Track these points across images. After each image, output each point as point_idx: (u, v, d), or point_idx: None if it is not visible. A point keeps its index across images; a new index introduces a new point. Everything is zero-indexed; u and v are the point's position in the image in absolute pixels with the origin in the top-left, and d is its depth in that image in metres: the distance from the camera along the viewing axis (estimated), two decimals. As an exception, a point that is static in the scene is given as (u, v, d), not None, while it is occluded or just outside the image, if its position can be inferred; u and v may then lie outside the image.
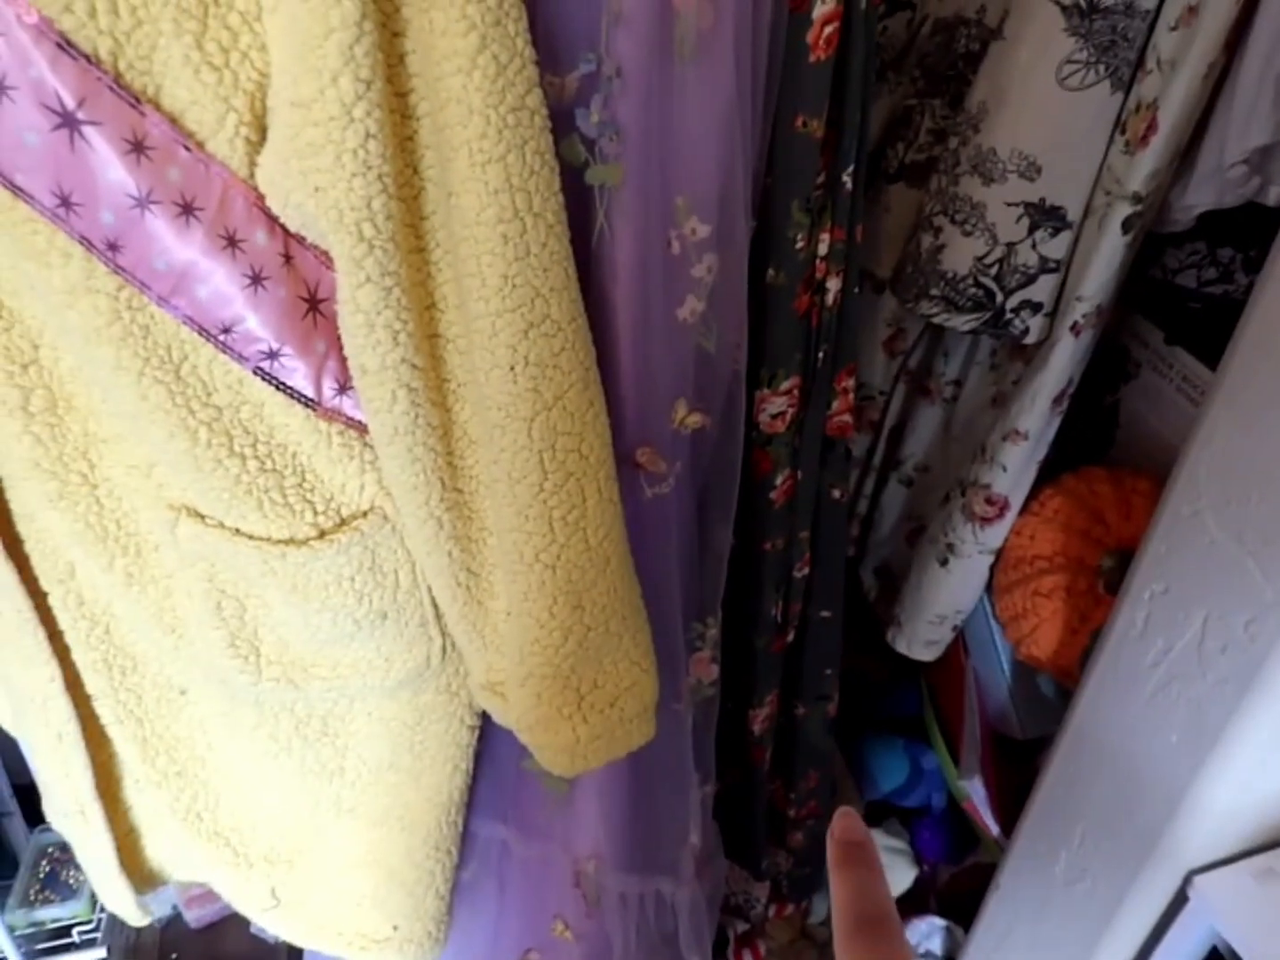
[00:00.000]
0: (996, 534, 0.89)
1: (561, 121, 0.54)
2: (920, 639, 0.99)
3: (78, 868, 1.24)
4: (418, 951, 0.82)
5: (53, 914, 1.22)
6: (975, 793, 0.98)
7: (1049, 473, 0.93)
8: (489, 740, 0.78)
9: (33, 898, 1.22)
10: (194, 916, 1.34)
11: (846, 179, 0.63)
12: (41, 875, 1.26)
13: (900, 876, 1.14)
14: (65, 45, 0.43)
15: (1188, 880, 0.72)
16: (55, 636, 0.64)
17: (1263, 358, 0.57)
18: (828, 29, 0.57)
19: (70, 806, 0.72)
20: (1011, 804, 0.95)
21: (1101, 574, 0.86)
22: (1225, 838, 0.72)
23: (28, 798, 1.24)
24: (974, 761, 0.97)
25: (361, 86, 0.44)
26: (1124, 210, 0.73)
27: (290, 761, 0.72)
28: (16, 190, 0.46)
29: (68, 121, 0.44)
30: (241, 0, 0.44)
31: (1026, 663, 0.90)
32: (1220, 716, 0.63)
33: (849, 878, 0.28)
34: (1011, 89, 0.74)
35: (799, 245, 0.64)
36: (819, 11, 0.56)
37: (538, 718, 0.61)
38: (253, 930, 1.01)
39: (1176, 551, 0.66)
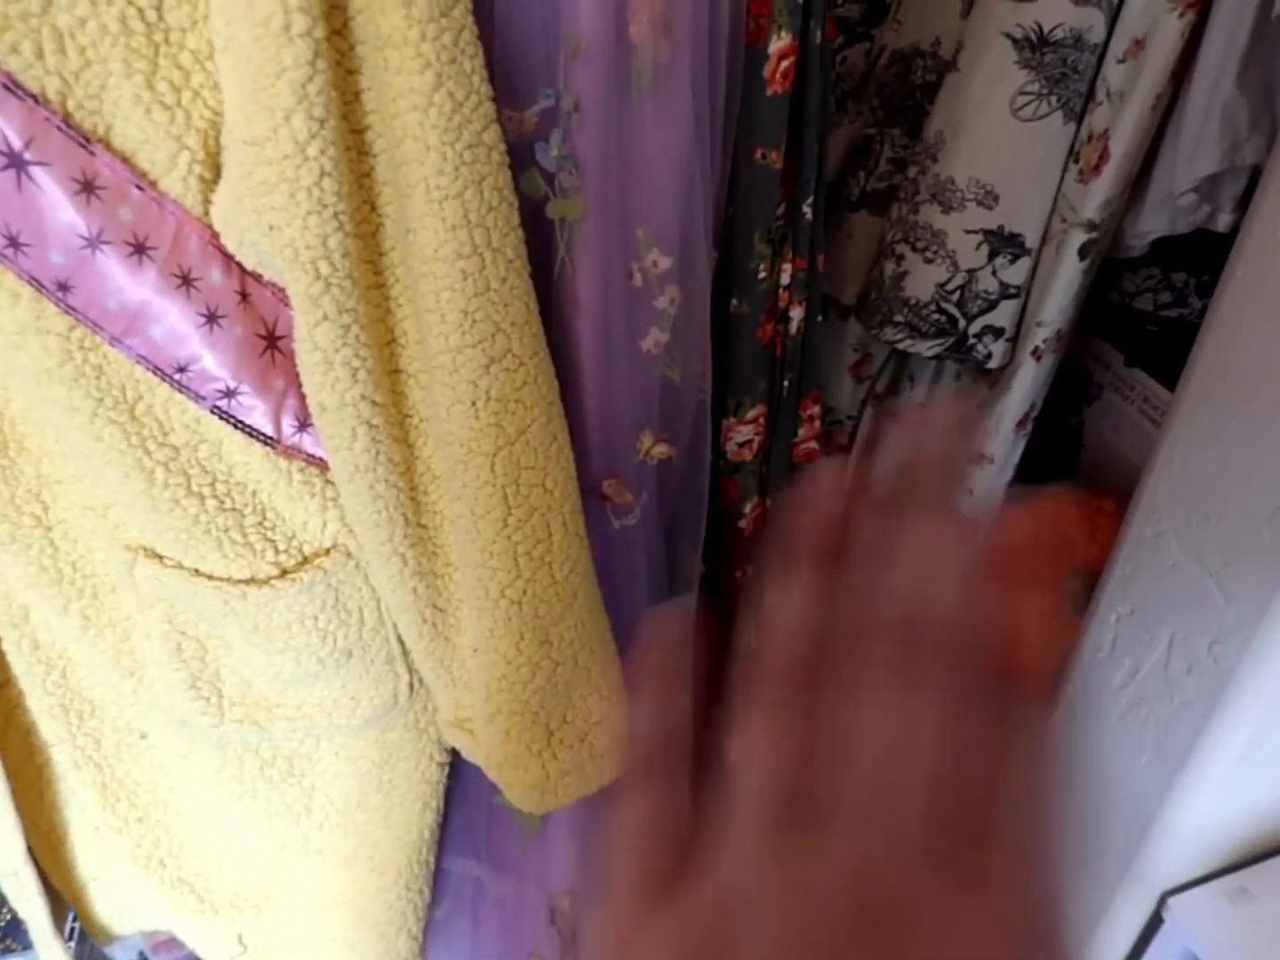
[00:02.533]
0: (965, 557, 0.90)
1: (521, 156, 0.55)
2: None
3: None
4: (389, 995, 0.81)
5: (13, 964, 1.18)
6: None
7: (1017, 494, 0.93)
8: (460, 776, 0.77)
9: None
10: (161, 963, 1.31)
11: (807, 209, 0.64)
12: (2, 924, 1.22)
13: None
14: (12, 86, 0.42)
15: (1162, 902, 0.72)
16: (5, 685, 0.62)
17: (1216, 381, 0.58)
18: (784, 63, 0.57)
19: (4, 868, 0.70)
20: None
21: (1069, 595, 0.86)
22: (1198, 858, 0.72)
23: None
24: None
25: (315, 124, 0.43)
26: (1080, 237, 0.74)
27: (256, 803, 0.71)
28: (-35, 231, 0.45)
29: (14, 162, 0.44)
30: (193, 39, 0.44)
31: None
32: (1188, 737, 0.63)
33: (643, 702, 0.23)
34: (967, 119, 0.75)
35: (761, 275, 0.64)
36: (775, 46, 0.57)
37: (506, 755, 0.60)
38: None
39: (1140, 573, 0.66)
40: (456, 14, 0.46)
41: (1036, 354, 0.80)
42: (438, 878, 0.82)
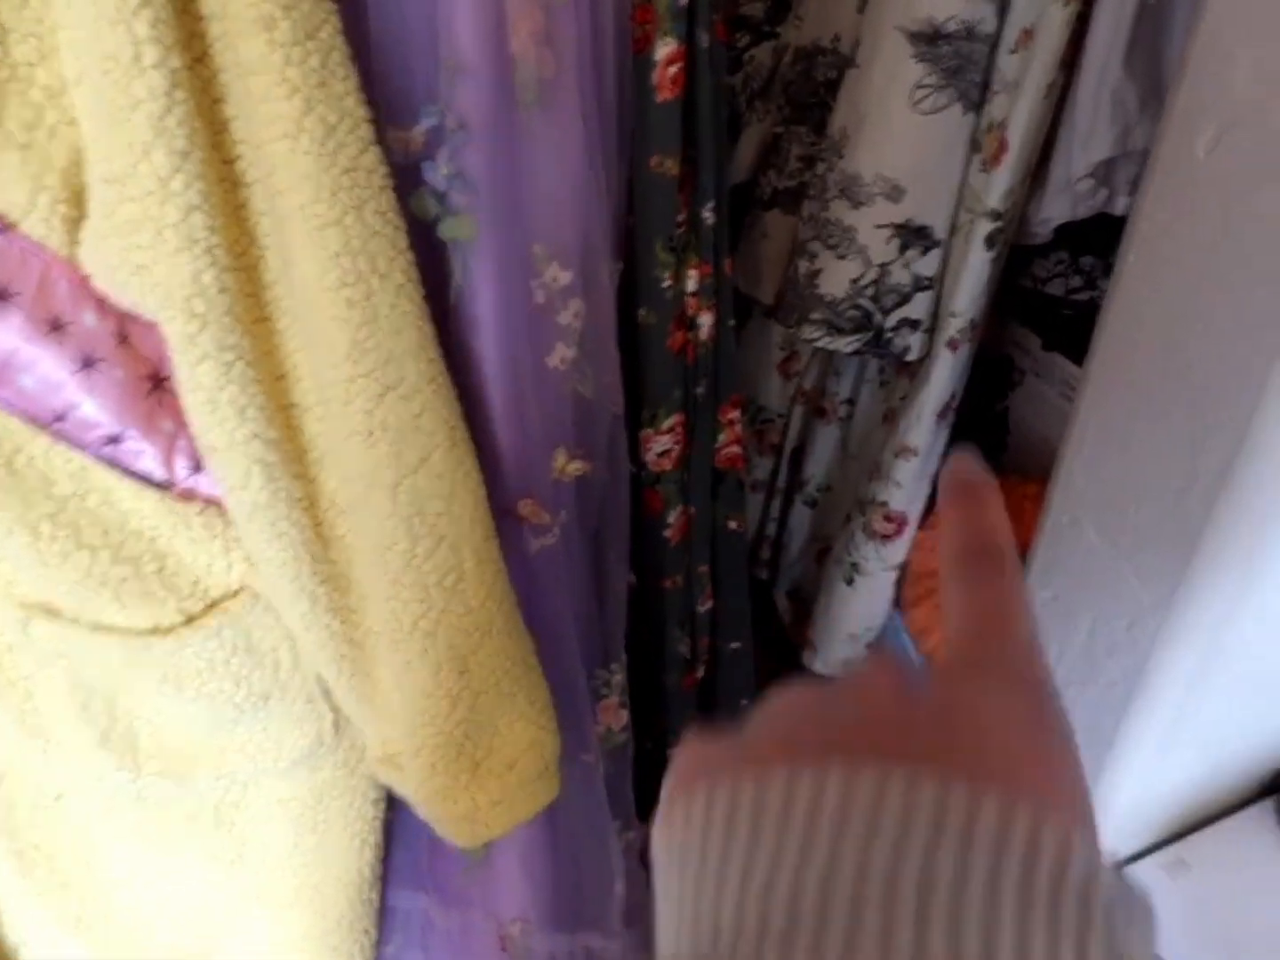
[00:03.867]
0: (898, 550, 0.90)
1: (410, 176, 0.53)
2: (835, 659, 0.99)
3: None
4: (342, 1037, 0.79)
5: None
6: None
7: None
8: (401, 809, 0.76)
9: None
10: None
11: (708, 214, 0.63)
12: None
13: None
14: None
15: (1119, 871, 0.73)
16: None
17: (1118, 367, 0.58)
18: (672, 69, 0.57)
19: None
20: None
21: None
22: (1134, 833, 0.73)
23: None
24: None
25: (178, 159, 0.42)
26: (985, 227, 0.75)
27: (184, 857, 0.69)
28: None
29: None
30: (43, 75, 0.42)
31: (937, 674, 0.90)
32: (1114, 718, 0.64)
33: (955, 513, 0.25)
34: (869, 115, 0.75)
35: (666, 284, 0.64)
36: (661, 53, 0.56)
37: (433, 789, 0.59)
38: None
39: (1060, 559, 0.67)
40: (324, 35, 0.44)
41: (952, 344, 0.80)
42: (384, 914, 0.80)
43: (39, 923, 0.69)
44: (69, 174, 0.44)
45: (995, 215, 0.73)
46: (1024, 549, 0.82)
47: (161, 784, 0.63)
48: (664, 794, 0.22)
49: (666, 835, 0.21)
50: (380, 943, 0.81)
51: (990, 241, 0.75)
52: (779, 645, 1.11)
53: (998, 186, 0.72)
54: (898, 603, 0.94)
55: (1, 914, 0.68)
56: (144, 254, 0.43)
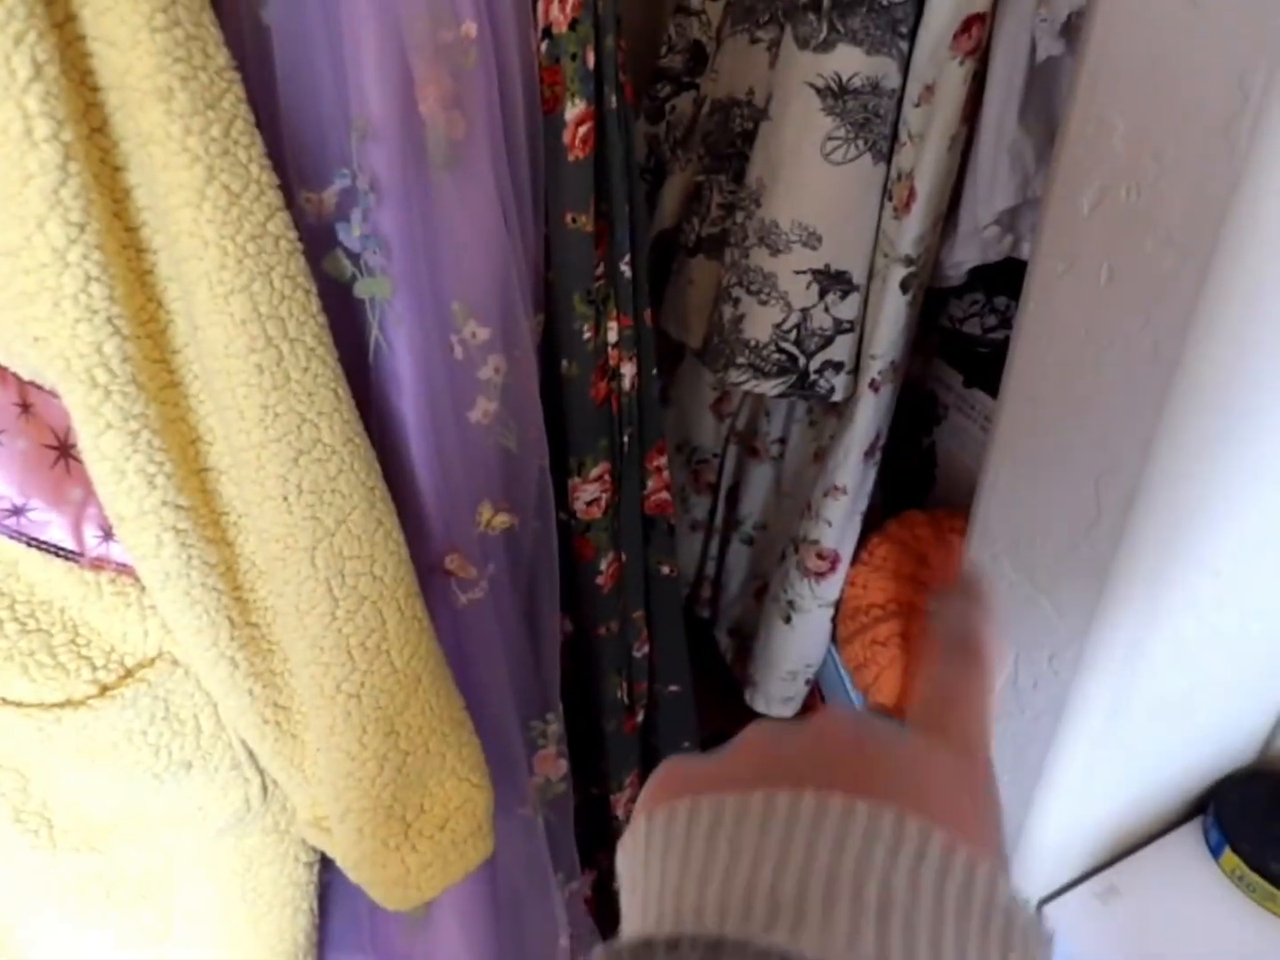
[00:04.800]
0: (832, 587, 0.91)
1: (324, 237, 0.54)
2: (776, 696, 0.99)
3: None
4: None
5: None
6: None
7: (879, 520, 0.96)
8: (336, 870, 0.74)
9: None
10: None
11: (625, 267, 0.64)
12: None
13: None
14: None
15: (1038, 910, 0.73)
16: None
17: (1023, 407, 0.60)
18: (582, 129, 0.58)
19: None
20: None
21: (930, 616, 0.88)
22: (1066, 863, 0.74)
23: None
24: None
25: (74, 230, 0.41)
26: (900, 271, 0.77)
27: (108, 932, 0.66)
28: None
29: None
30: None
31: (875, 710, 0.91)
32: (1040, 748, 0.65)
33: (950, 605, 0.31)
34: (783, 166, 0.77)
35: (586, 336, 0.64)
36: (570, 113, 0.57)
37: (363, 853, 0.58)
38: None
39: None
40: (225, 104, 0.44)
41: (874, 385, 0.82)
42: (323, 980, 0.78)
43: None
44: (-34, 246, 0.44)
45: (909, 260, 0.75)
46: (952, 581, 0.84)
47: (79, 859, 0.61)
48: (643, 804, 0.25)
49: (645, 842, 0.24)
50: (320, 1010, 0.79)
51: (905, 285, 0.77)
52: (722, 683, 1.11)
53: (909, 233, 0.74)
54: (834, 639, 0.95)
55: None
56: (41, 325, 0.43)
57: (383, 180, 0.53)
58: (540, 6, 0.56)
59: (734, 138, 0.87)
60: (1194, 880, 0.74)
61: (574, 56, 0.57)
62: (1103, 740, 0.65)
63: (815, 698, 1.03)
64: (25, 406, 0.47)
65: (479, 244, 0.57)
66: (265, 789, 0.63)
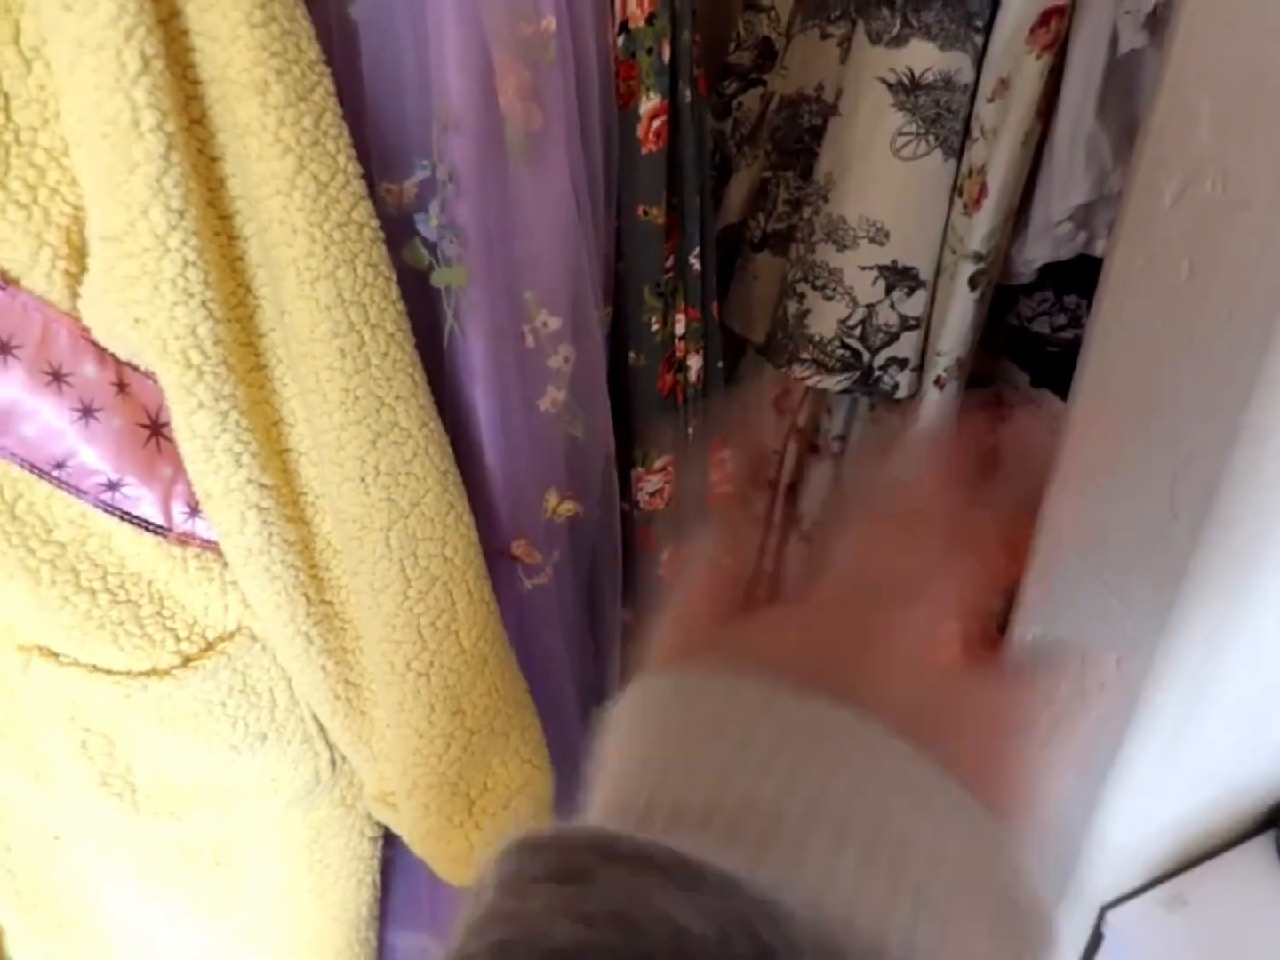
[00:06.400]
0: (892, 585, 0.91)
1: (403, 227, 0.55)
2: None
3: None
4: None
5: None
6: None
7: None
8: (400, 848, 0.76)
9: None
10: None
11: (694, 260, 0.65)
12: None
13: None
14: None
15: (1101, 916, 0.72)
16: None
17: (1100, 405, 0.59)
18: (655, 123, 0.58)
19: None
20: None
21: (995, 616, 0.87)
22: (1132, 869, 0.73)
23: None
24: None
25: (174, 217, 0.43)
26: (969, 268, 0.76)
27: (182, 897, 0.69)
28: None
29: None
30: (46, 137, 0.44)
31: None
32: (1107, 753, 0.64)
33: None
34: (852, 161, 0.77)
35: (655, 328, 0.65)
36: (645, 107, 0.58)
37: (428, 828, 0.59)
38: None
39: (1049, 593, 0.68)
40: (316, 97, 0.46)
41: (939, 382, 0.82)
42: (384, 953, 0.80)
43: (37, 965, 0.69)
44: (70, 232, 0.46)
45: (978, 257, 0.75)
46: (1018, 583, 0.82)
47: (159, 824, 0.63)
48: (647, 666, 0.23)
49: (643, 702, 0.22)
50: (378, 984, 0.80)
51: (974, 282, 0.76)
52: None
53: (979, 229, 0.73)
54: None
55: (4, 953, 0.69)
56: (142, 308, 0.45)
57: (461, 172, 0.54)
58: (618, 2, 0.57)
59: (802, 133, 0.87)
60: (1263, 893, 0.72)
61: (650, 51, 0.57)
62: (1172, 745, 0.64)
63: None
64: (122, 386, 0.49)
65: (553, 235, 0.58)
66: (334, 763, 0.65)
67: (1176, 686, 0.61)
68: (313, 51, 0.45)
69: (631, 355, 0.66)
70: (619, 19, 0.57)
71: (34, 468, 0.49)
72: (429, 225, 0.55)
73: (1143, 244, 0.50)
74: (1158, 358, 0.53)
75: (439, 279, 0.56)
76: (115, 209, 0.43)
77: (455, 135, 0.53)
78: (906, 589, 0.24)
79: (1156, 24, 0.59)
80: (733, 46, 0.96)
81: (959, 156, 0.75)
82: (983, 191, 0.72)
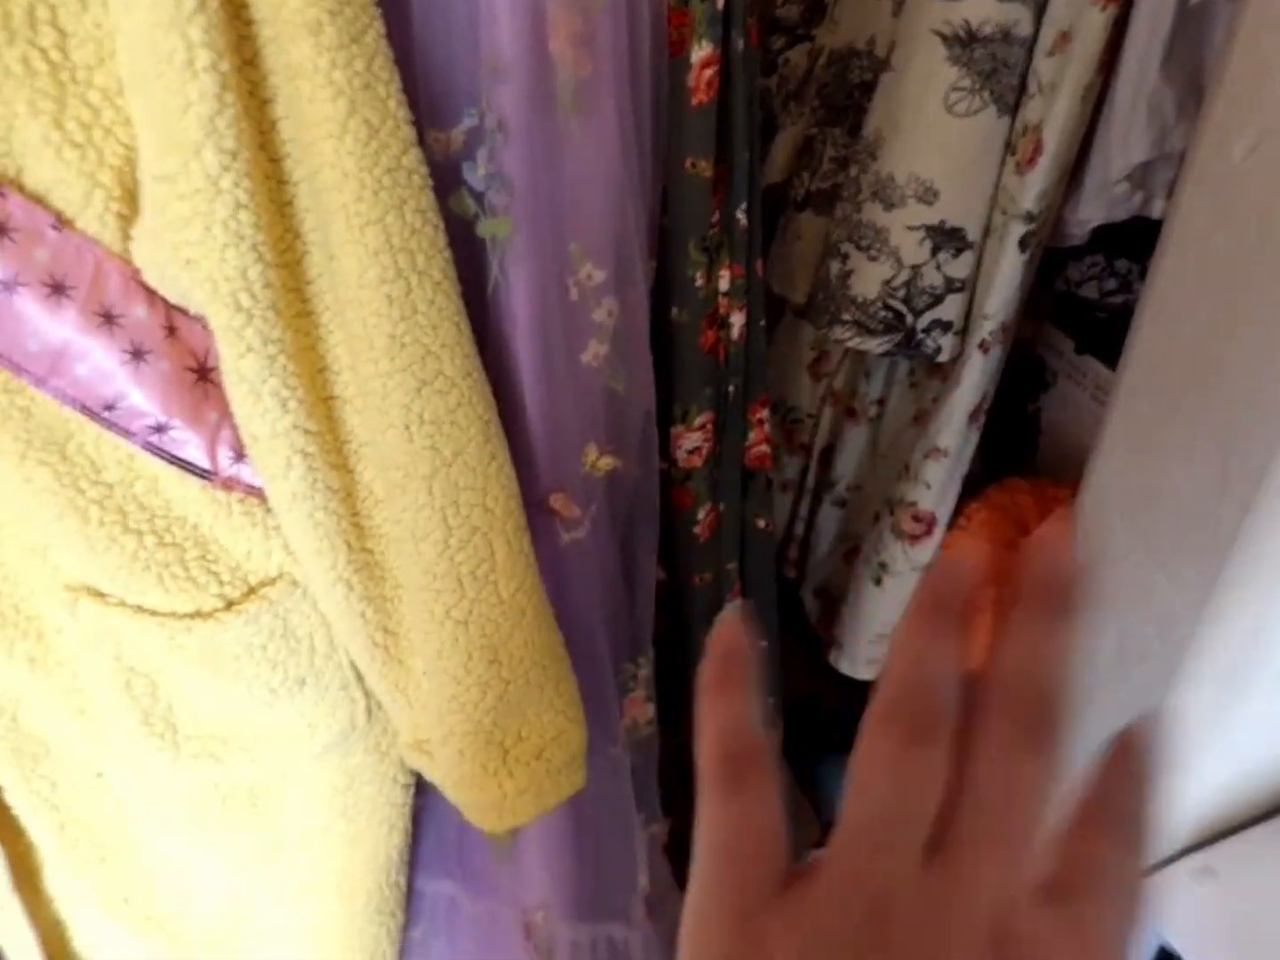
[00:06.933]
0: (926, 550, 0.90)
1: (449, 175, 0.54)
2: (861, 658, 0.99)
3: None
4: (369, 1019, 0.80)
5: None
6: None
7: (976, 485, 0.94)
8: (430, 795, 0.77)
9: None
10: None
11: (741, 215, 0.64)
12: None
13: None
14: (-85, 131, 0.42)
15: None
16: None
17: (1152, 370, 0.58)
18: (707, 73, 0.57)
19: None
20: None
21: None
22: (1162, 838, 0.72)
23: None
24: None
25: (227, 158, 0.43)
26: (1019, 229, 0.74)
27: (220, 837, 0.71)
28: (-122, 279, 0.45)
29: (-75, 208, 0.43)
30: (100, 77, 0.44)
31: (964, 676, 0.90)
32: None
33: (720, 708, 0.25)
34: (904, 117, 0.75)
35: (699, 283, 0.64)
36: (697, 56, 0.57)
37: (462, 775, 0.60)
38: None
39: (1091, 564, 0.67)
40: (369, 40, 0.45)
41: (984, 346, 0.80)
42: (412, 899, 0.82)
43: (80, 899, 0.71)
44: (122, 172, 0.46)
45: (1029, 217, 0.73)
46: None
47: (199, 765, 0.64)
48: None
49: None
50: (406, 926, 0.82)
51: (1024, 244, 0.74)
52: (806, 643, 1.11)
53: (1032, 189, 0.72)
54: (925, 604, 0.94)
55: (46, 890, 0.71)
56: (193, 249, 0.45)
57: (509, 120, 0.53)
58: (669, -55, 0.55)
59: (851, 89, 0.85)
60: (1294, 868, 0.72)
61: (702, 1, 0.56)
62: (1211, 717, 0.63)
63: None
64: (171, 329, 0.50)
65: (600, 187, 0.57)
66: (370, 711, 0.66)
67: (1217, 660, 0.60)
68: (365, 20, 0.45)
69: (674, 310, 0.66)
70: (672, -36, 0.56)
71: (85, 408, 0.49)
72: (476, 174, 0.55)
73: (1208, 203, 0.49)
74: (1220, 323, 0.51)
75: (485, 229, 0.56)
76: (169, 149, 0.43)
77: (504, 82, 0.53)
78: None
79: (1230, -25, 0.57)
80: (780, 0, 0.94)
81: (1013, 113, 0.73)
82: (1038, 149, 0.70)
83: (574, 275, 0.59)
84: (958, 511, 0.90)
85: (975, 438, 0.86)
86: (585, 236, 0.58)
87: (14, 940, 0.72)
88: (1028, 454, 1.01)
